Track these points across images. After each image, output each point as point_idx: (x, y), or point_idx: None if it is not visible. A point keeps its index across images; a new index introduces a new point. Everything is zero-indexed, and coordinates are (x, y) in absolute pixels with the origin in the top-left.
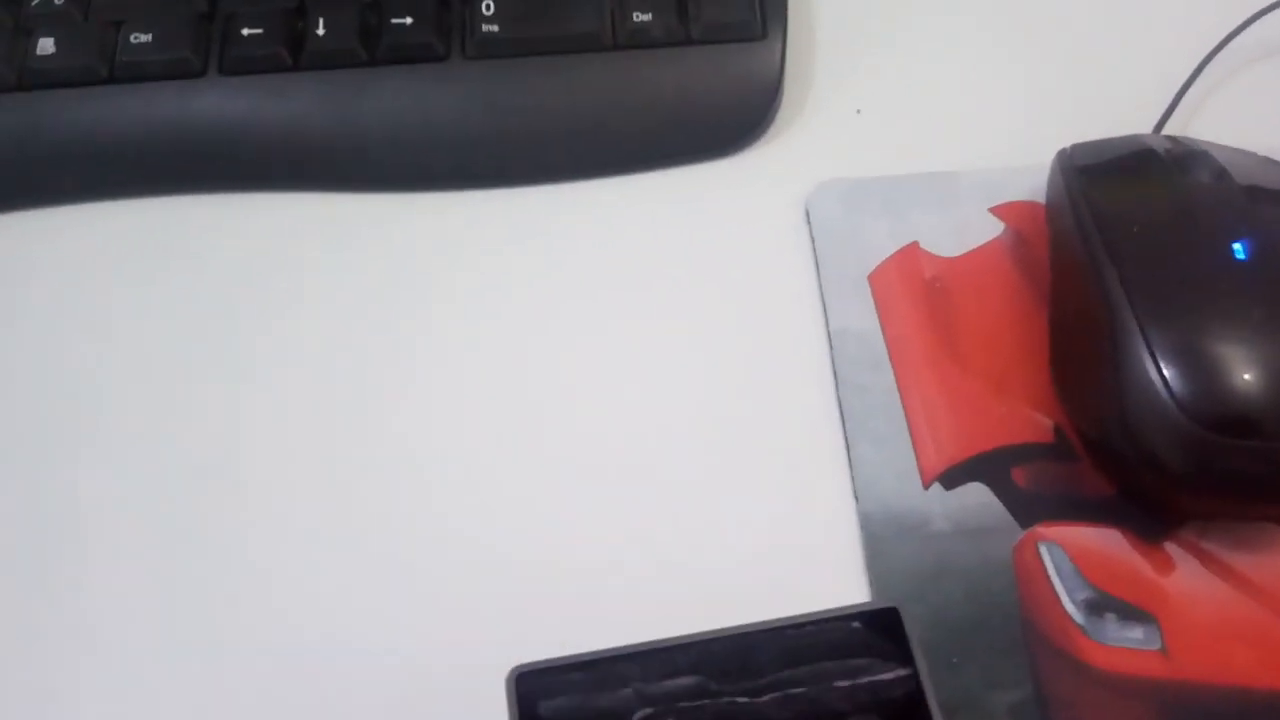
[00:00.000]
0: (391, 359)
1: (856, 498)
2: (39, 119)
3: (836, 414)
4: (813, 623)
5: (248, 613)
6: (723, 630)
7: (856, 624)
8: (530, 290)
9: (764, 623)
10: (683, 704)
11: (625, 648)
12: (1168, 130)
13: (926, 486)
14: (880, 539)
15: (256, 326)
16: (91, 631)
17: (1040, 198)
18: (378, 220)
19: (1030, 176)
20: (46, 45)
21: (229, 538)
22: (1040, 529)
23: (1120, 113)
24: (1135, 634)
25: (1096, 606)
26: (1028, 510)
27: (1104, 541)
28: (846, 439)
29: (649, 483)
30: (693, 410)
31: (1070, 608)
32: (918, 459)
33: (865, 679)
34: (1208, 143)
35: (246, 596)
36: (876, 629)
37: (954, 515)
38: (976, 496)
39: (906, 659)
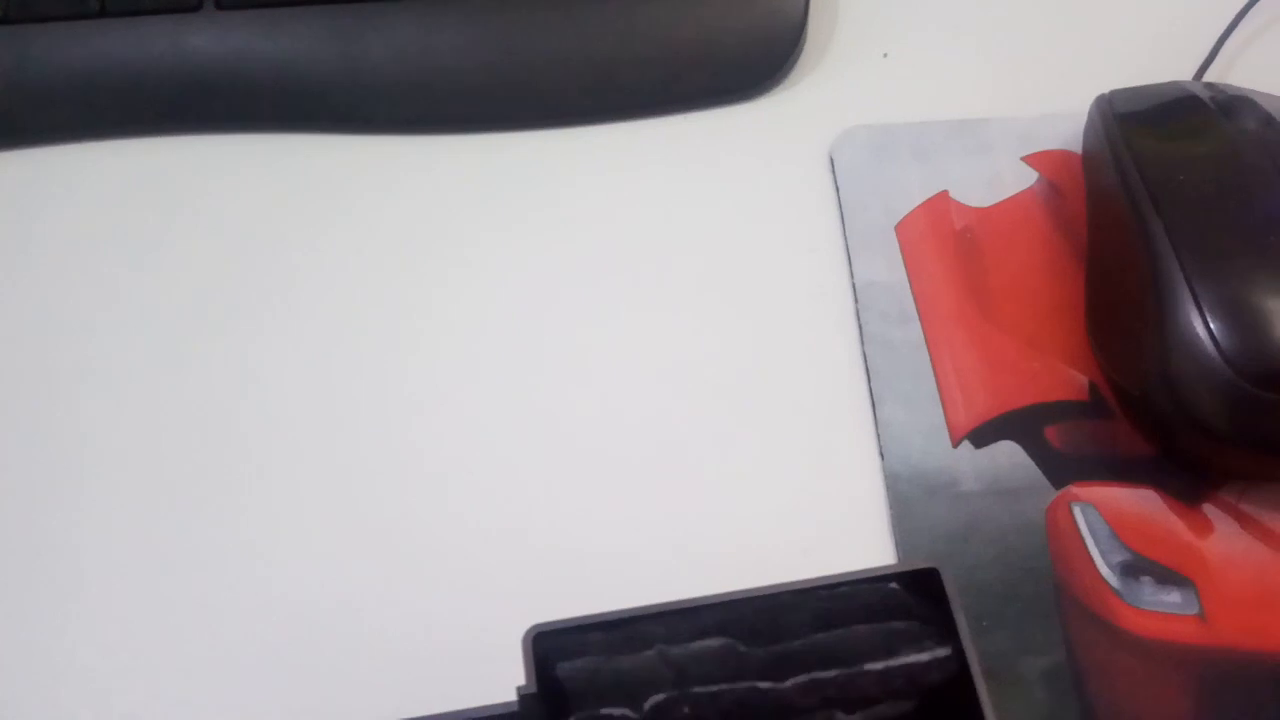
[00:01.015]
0: (399, 311)
1: (883, 456)
2: (27, 54)
3: (862, 370)
4: (847, 583)
5: (258, 572)
6: (752, 590)
7: (894, 585)
8: (542, 240)
9: (795, 583)
10: (698, 689)
11: (648, 607)
12: (1208, 77)
13: (955, 445)
14: (907, 499)
15: (256, 273)
16: (87, 575)
17: (1075, 147)
18: (381, 163)
19: (1064, 124)
20: None
21: (237, 500)
22: (1074, 489)
23: (1158, 60)
24: (1172, 598)
25: (1132, 569)
26: (1061, 470)
27: (1140, 503)
28: (872, 396)
29: (670, 442)
30: (713, 366)
31: (1105, 571)
32: (946, 417)
33: (899, 661)
34: (1251, 90)
35: (256, 558)
36: (915, 590)
37: (984, 475)
38: (1008, 455)
39: (946, 623)
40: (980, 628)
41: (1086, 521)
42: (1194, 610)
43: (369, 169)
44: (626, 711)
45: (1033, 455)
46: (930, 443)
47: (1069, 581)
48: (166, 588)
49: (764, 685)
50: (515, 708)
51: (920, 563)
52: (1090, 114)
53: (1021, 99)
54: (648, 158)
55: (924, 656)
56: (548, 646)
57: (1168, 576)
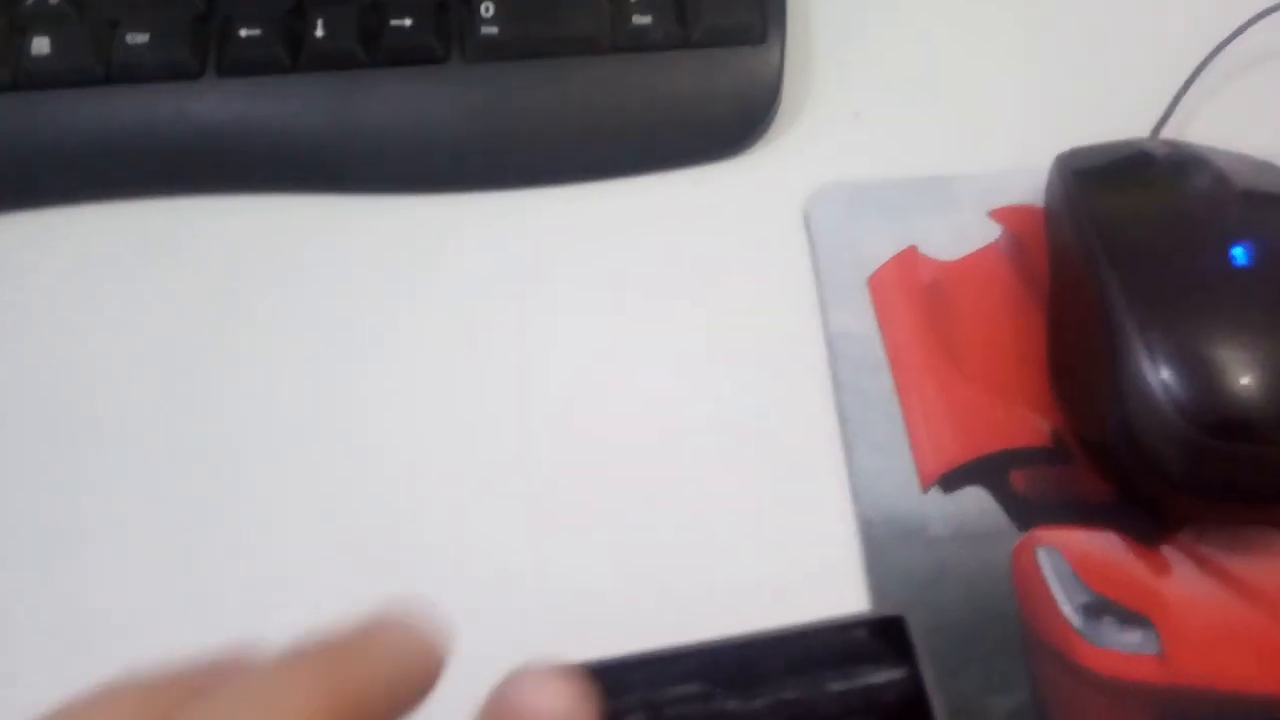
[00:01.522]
0: (388, 362)
1: (855, 502)
2: (35, 120)
3: (835, 418)
4: (816, 630)
5: (239, 615)
6: (727, 638)
7: (861, 632)
8: (528, 294)
9: (767, 631)
10: (671, 709)
11: (626, 656)
12: (1166, 133)
13: (925, 490)
14: (880, 543)
15: (256, 329)
16: (94, 618)
17: (1039, 201)
18: (376, 222)
19: (1029, 179)
20: (42, 45)
21: (217, 537)
22: (1038, 533)
23: (1119, 115)
24: (1133, 638)
25: (1094, 610)
26: (1026, 514)
27: (1102, 545)
28: (845, 443)
29: (647, 487)
30: (691, 415)
31: (1068, 612)
32: (916, 463)
33: (860, 682)
34: (1205, 146)
35: (234, 597)
36: (882, 637)
37: (953, 519)
38: (975, 500)
39: (912, 668)
40: (949, 669)
41: (1051, 564)
42: (1154, 650)
43: (362, 227)
44: None
45: (999, 500)
46: (901, 489)
47: (1034, 622)
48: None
49: (733, 705)
50: None
51: (886, 610)
52: (1050, 171)
53: (988, 155)
54: (629, 215)
55: (880, 679)
56: None
57: (1128, 617)
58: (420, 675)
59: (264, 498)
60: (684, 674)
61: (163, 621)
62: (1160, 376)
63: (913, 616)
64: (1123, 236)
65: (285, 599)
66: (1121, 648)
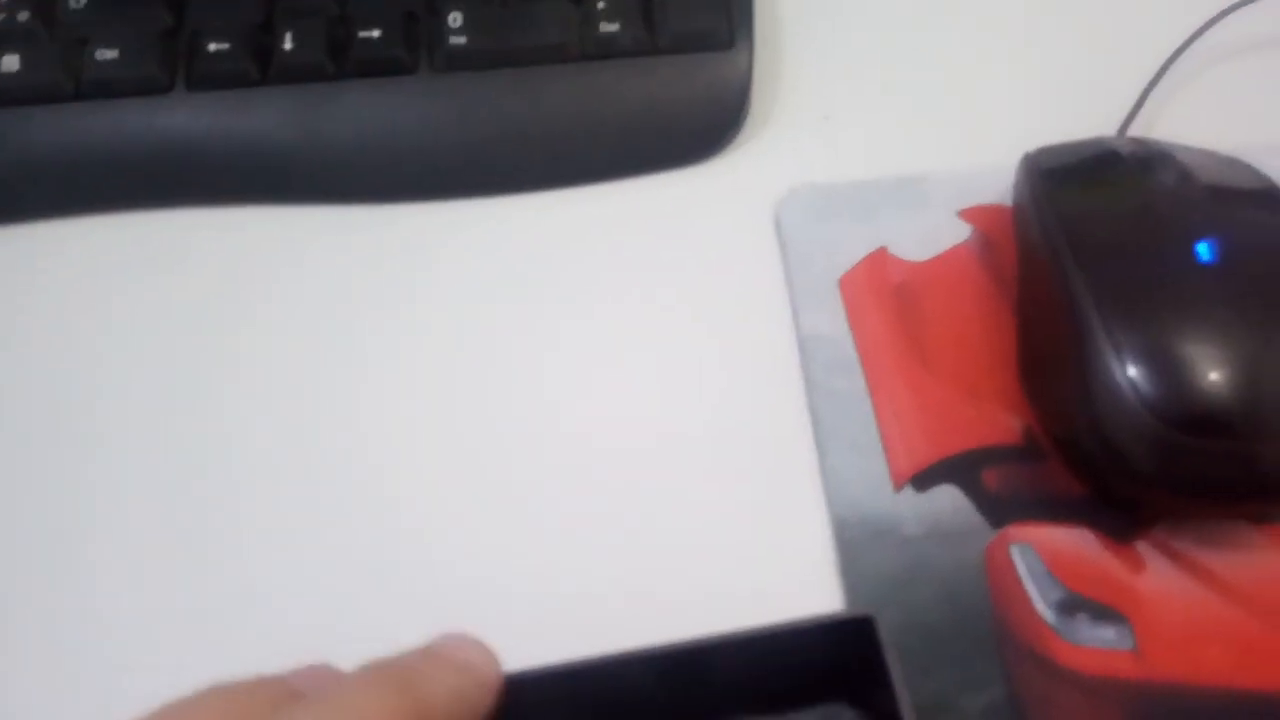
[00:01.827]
0: (360, 373)
1: (829, 503)
2: (4, 137)
3: (808, 419)
4: (783, 632)
5: (240, 618)
6: (687, 642)
7: (829, 633)
8: (497, 302)
9: (730, 633)
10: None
11: (584, 661)
12: (1133, 131)
13: (898, 490)
14: (853, 543)
15: (227, 344)
16: (96, 621)
17: (1008, 200)
18: (348, 234)
19: (998, 178)
20: (11, 62)
21: (202, 552)
22: (1012, 530)
23: (1085, 114)
24: (1107, 634)
25: (1068, 607)
26: (999, 512)
27: (1075, 542)
28: (818, 444)
29: (617, 491)
30: (663, 418)
31: (1042, 609)
32: (889, 463)
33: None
34: (1172, 144)
35: (231, 601)
36: (851, 638)
37: (926, 518)
38: (948, 499)
39: (881, 670)
40: (923, 668)
41: (1024, 561)
42: (1128, 645)
43: (334, 238)
44: None
45: (972, 498)
46: (874, 489)
47: (1008, 620)
48: (155, 633)
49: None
50: None
51: (855, 611)
52: (1017, 171)
53: (957, 154)
54: (602, 221)
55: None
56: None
57: (1102, 613)
58: (479, 694)
59: (256, 511)
60: (643, 678)
61: (164, 628)
62: (1128, 374)
63: (882, 617)
64: (1089, 235)
65: (284, 602)
66: (1096, 644)
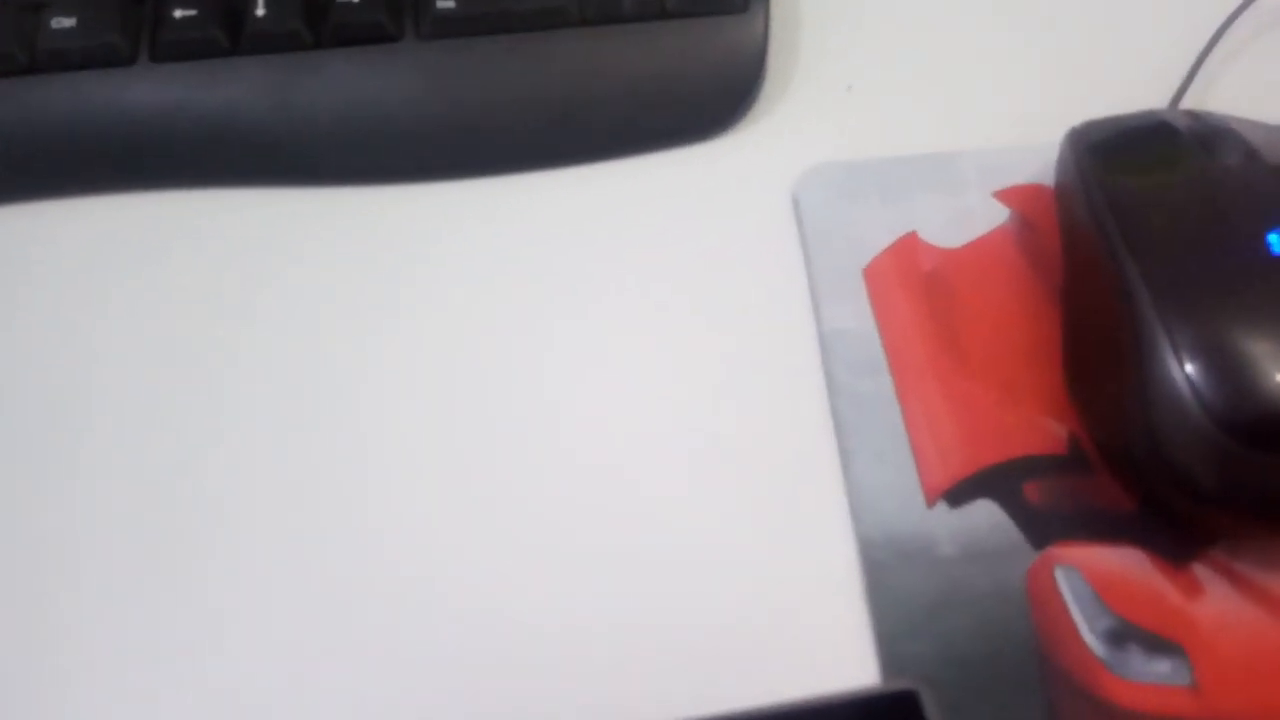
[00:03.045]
0: (347, 370)
1: (855, 519)
2: None
3: (830, 425)
4: (818, 709)
5: (208, 665)
6: (716, 716)
7: (868, 707)
8: (489, 294)
9: (767, 708)
10: None
11: None
12: (1186, 103)
13: (931, 505)
14: (881, 565)
15: (200, 334)
16: (85, 627)
17: (1048, 179)
18: (329, 218)
19: (1037, 157)
20: None
21: (190, 586)
22: (1056, 550)
23: (1133, 85)
24: (1162, 668)
25: (1119, 637)
26: (1042, 529)
27: (1126, 564)
28: (842, 453)
29: (627, 505)
30: (673, 423)
31: (1090, 639)
32: (920, 475)
33: None
34: (1230, 117)
35: (226, 598)
36: (892, 711)
37: (961, 537)
38: (985, 515)
39: None
40: (958, 705)
41: (1070, 586)
42: (1185, 680)
43: (313, 222)
44: None
45: (1011, 514)
46: (904, 504)
47: (1053, 650)
48: (148, 636)
49: None
50: None
51: (898, 684)
52: (1062, 148)
53: (992, 130)
54: (605, 203)
55: None
56: None
57: (1156, 644)
58: None
59: (243, 495)
60: None
61: (156, 629)
62: (1188, 377)
63: (927, 692)
64: (1143, 219)
65: (271, 596)
66: (1149, 678)
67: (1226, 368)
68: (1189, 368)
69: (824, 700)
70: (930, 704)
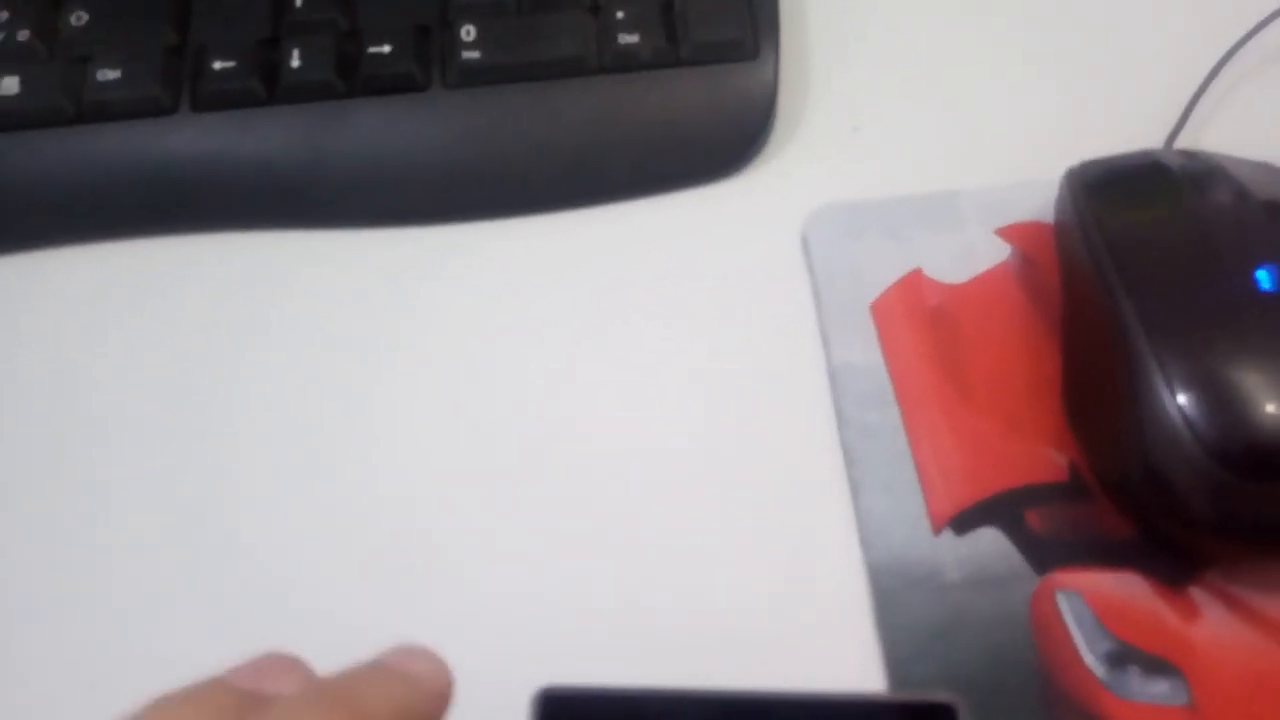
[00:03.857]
0: (375, 403)
1: (864, 547)
2: (4, 162)
3: (840, 456)
4: (856, 702)
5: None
6: (755, 697)
7: (904, 712)
8: (510, 330)
9: (800, 695)
10: None
11: (659, 693)
12: (1180, 143)
13: (937, 533)
14: (890, 591)
15: (236, 373)
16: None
17: (1048, 217)
18: (360, 258)
19: (1037, 194)
20: (10, 85)
21: (224, 564)
22: (1058, 576)
23: (1130, 125)
24: (1160, 689)
25: (1119, 659)
26: (1044, 556)
27: (1125, 588)
28: (852, 483)
29: (641, 532)
30: (685, 454)
31: (1091, 661)
32: (927, 504)
33: None
34: (1223, 156)
35: (246, 624)
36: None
37: (966, 564)
38: (990, 543)
39: None
40: None
41: (1071, 610)
42: (1183, 701)
43: (344, 262)
44: None
45: (1015, 541)
46: (912, 532)
47: (1055, 673)
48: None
49: None
50: None
51: (940, 695)
52: (1060, 187)
53: (994, 170)
54: (621, 242)
55: None
56: (554, 713)
57: (1155, 665)
58: (426, 706)
59: (268, 535)
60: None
61: (174, 643)
62: (1182, 410)
63: (965, 708)
64: (1138, 256)
65: (286, 618)
66: (1149, 699)
67: (1218, 400)
68: (1182, 400)
69: (861, 697)
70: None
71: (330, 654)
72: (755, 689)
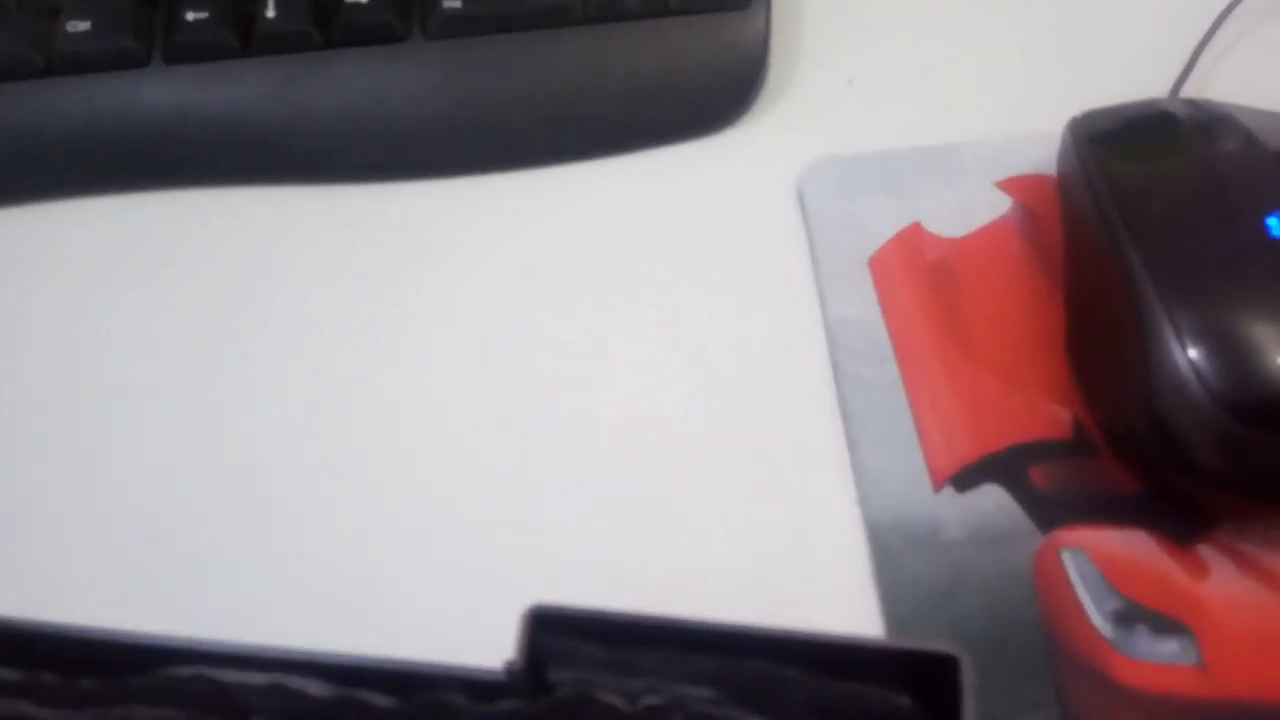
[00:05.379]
0: (358, 366)
1: (862, 504)
2: None
3: (837, 412)
4: (854, 646)
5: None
6: (752, 632)
7: (904, 659)
8: (502, 286)
9: (799, 635)
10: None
11: (652, 620)
12: (1186, 92)
13: (938, 490)
14: (889, 549)
15: (215, 332)
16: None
17: (1050, 169)
18: (338, 216)
19: (1038, 146)
20: None
21: (232, 539)
22: (1062, 534)
23: (1133, 74)
24: (1169, 647)
25: (1126, 618)
26: (1048, 512)
27: (1132, 545)
28: (849, 440)
29: (635, 491)
30: (681, 411)
31: (1097, 620)
32: (927, 460)
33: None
34: (1230, 104)
35: (250, 590)
36: (925, 670)
37: (968, 521)
38: (992, 499)
39: (953, 713)
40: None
41: (1077, 568)
42: (1193, 660)
43: (322, 220)
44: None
45: (1018, 498)
46: (911, 488)
47: (1060, 632)
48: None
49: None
50: (503, 677)
51: (942, 646)
52: (1063, 137)
53: (993, 121)
54: (611, 198)
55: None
56: (540, 647)
57: (1163, 624)
58: None
59: (269, 496)
60: (703, 675)
61: (178, 619)
62: (1191, 360)
63: (968, 662)
64: (1145, 206)
65: (288, 582)
66: (1157, 658)
67: (1228, 350)
68: (1191, 351)
69: (860, 641)
70: (968, 675)
71: (339, 609)
72: (751, 623)
